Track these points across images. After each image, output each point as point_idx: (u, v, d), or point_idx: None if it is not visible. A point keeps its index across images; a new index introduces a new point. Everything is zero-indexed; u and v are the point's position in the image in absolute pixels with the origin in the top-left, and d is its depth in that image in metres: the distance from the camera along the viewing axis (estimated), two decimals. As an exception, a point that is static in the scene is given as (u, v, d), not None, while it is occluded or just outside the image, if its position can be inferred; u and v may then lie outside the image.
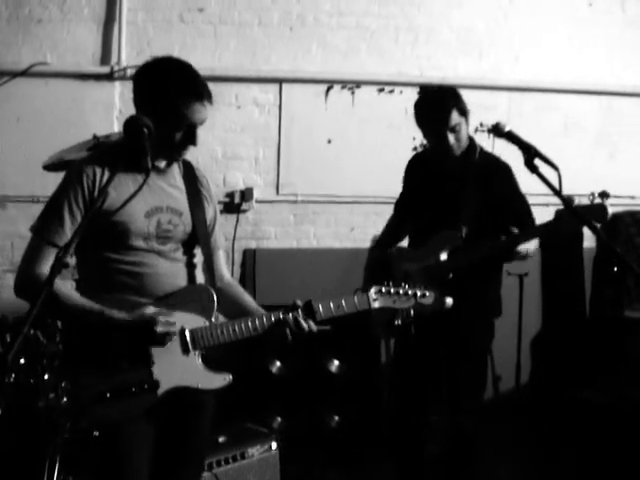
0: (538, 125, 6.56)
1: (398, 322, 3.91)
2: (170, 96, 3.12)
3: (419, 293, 3.46)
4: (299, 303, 3.31)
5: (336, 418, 5.88)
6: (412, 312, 3.71)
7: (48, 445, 4.35)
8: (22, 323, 2.46)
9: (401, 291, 3.45)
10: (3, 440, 4.49)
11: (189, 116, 3.15)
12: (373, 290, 3.43)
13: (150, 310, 3.16)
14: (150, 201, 3.23)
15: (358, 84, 6.66)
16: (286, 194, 6.67)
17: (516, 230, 4.28)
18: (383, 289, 3.43)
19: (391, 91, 6.69)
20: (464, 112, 4.40)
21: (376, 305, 3.42)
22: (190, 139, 3.21)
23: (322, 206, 6.72)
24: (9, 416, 4.46)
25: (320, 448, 5.70)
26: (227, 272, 3.61)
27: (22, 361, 4.43)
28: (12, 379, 4.39)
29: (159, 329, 3.12)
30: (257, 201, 6.60)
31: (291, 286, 6.20)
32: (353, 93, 6.66)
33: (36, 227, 3.24)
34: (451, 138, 4.36)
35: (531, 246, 4.37)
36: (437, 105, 4.42)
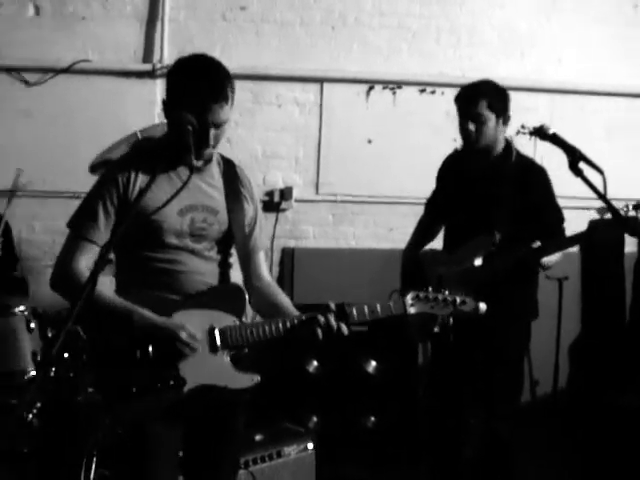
0: (579, 128, 6.49)
1: (437, 329, 3.87)
2: (189, 96, 3.10)
3: (458, 300, 3.39)
4: (332, 306, 3.28)
5: (372, 419, 5.86)
6: (451, 319, 3.66)
7: (86, 439, 4.38)
8: (65, 318, 2.48)
9: (440, 297, 3.37)
10: (42, 433, 4.52)
11: (204, 117, 3.11)
12: (410, 295, 3.36)
13: (179, 318, 3.17)
14: (185, 199, 3.22)
15: (399, 84, 6.65)
16: (325, 194, 6.67)
17: (539, 242, 4.27)
18: (421, 294, 3.36)
19: (432, 92, 6.67)
20: (497, 109, 4.39)
21: (412, 311, 3.36)
22: (203, 140, 3.15)
23: (361, 206, 6.70)
24: (49, 410, 4.50)
25: (355, 448, 5.69)
26: (266, 272, 3.57)
27: (66, 356, 4.47)
28: (53, 373, 4.43)
29: (183, 339, 3.13)
30: (296, 200, 6.60)
31: (329, 286, 6.19)
32: (394, 93, 6.65)
33: (72, 223, 3.30)
34: (471, 126, 4.37)
35: (553, 258, 4.35)
36: (467, 92, 4.45)
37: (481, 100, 4.35)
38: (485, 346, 4.44)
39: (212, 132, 3.14)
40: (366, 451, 5.68)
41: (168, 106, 3.21)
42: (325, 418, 5.78)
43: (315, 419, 5.77)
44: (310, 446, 4.84)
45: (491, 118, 4.36)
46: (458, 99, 4.50)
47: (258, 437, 4.77)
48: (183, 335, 3.12)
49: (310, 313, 3.26)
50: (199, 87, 3.08)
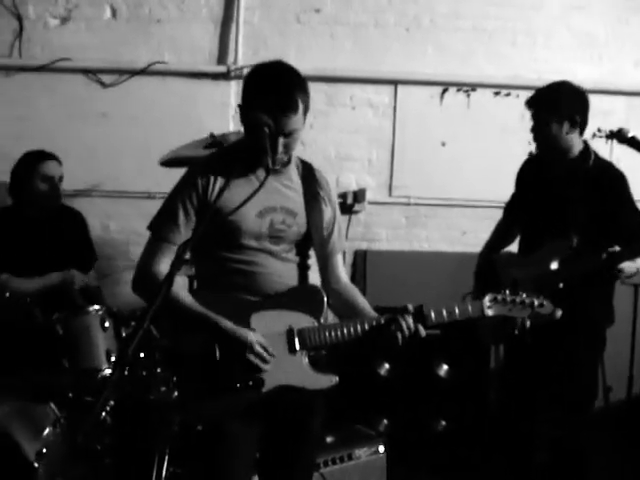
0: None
1: (516, 332, 3.82)
2: (259, 105, 3.12)
3: (536, 302, 3.36)
4: (410, 308, 3.27)
5: (443, 422, 5.83)
6: (528, 322, 3.62)
7: (158, 438, 4.41)
8: (141, 318, 2.49)
9: (517, 300, 3.35)
10: (115, 431, 4.55)
11: (270, 125, 3.11)
12: (487, 298, 3.35)
13: (257, 319, 3.19)
14: (263, 201, 3.23)
15: (474, 87, 6.59)
16: (398, 196, 6.63)
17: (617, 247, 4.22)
18: (498, 297, 3.35)
19: (507, 94, 6.60)
20: (572, 112, 4.34)
21: (490, 313, 3.34)
22: (271, 148, 3.16)
23: (434, 209, 6.66)
24: (122, 408, 4.54)
25: (426, 452, 5.65)
26: (344, 274, 3.58)
27: (142, 355, 4.50)
28: (127, 372, 4.46)
29: (252, 358, 3.14)
30: (369, 202, 6.57)
31: (401, 288, 6.16)
32: (469, 96, 6.60)
33: (153, 225, 3.34)
34: (544, 130, 4.33)
35: (634, 265, 4.29)
36: (544, 94, 4.40)
37: (558, 104, 4.31)
38: (559, 350, 4.39)
39: (281, 140, 3.15)
40: (437, 455, 5.65)
41: (244, 109, 3.22)
42: (395, 421, 5.76)
43: (385, 422, 5.76)
44: (381, 449, 4.83)
45: (566, 121, 4.32)
46: (535, 103, 4.45)
47: (329, 439, 4.76)
48: (256, 348, 3.14)
49: (388, 315, 3.25)
50: (268, 98, 3.10)
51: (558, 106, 4.35)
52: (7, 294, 4.87)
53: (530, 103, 4.47)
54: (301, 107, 3.16)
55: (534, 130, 4.47)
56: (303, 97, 3.17)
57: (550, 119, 4.35)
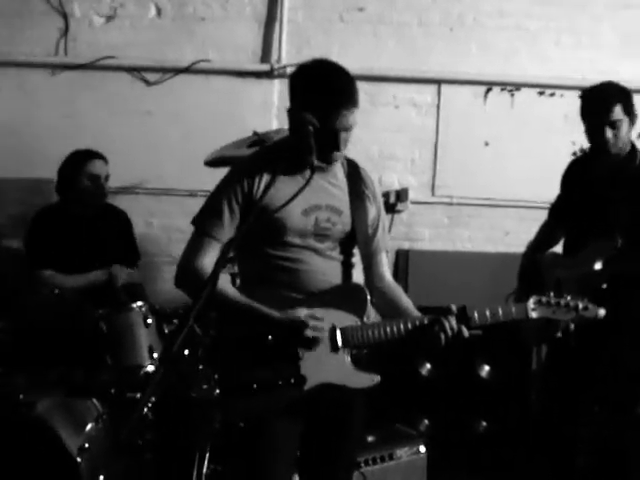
0: None
1: (559, 334, 3.80)
2: (318, 102, 3.14)
3: (581, 305, 3.33)
4: (453, 308, 3.26)
5: (483, 423, 5.81)
6: (572, 325, 3.60)
7: (199, 435, 4.43)
8: (186, 315, 2.50)
9: (562, 302, 3.33)
10: (156, 428, 4.58)
11: (334, 122, 3.15)
12: (532, 300, 3.33)
13: (302, 312, 3.17)
14: (309, 199, 3.24)
15: (518, 86, 6.55)
16: (441, 196, 6.61)
17: None
18: (543, 299, 3.33)
19: (551, 94, 6.55)
20: (629, 112, 4.31)
21: (534, 315, 3.32)
22: (334, 144, 3.21)
23: (476, 209, 6.62)
24: (164, 404, 4.56)
25: (466, 453, 5.64)
26: (389, 273, 3.57)
27: (186, 352, 4.52)
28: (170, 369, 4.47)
29: (308, 333, 3.14)
30: (412, 202, 6.54)
31: (442, 288, 6.13)
32: (512, 95, 6.56)
33: (197, 220, 3.35)
34: (609, 133, 4.26)
35: None
36: (602, 95, 4.35)
37: (617, 105, 4.26)
38: (602, 352, 4.36)
39: (342, 136, 3.19)
40: (477, 456, 5.63)
41: (293, 109, 3.23)
42: (436, 421, 5.75)
43: (426, 422, 5.75)
44: (422, 449, 4.82)
45: (625, 121, 4.28)
46: (591, 105, 4.40)
47: (370, 438, 4.76)
48: (307, 330, 3.14)
49: (432, 315, 3.24)
50: (332, 94, 3.14)
51: (628, 106, 4.31)
52: (57, 291, 4.92)
53: (603, 106, 4.35)
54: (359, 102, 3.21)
55: (604, 134, 4.36)
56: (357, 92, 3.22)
57: (624, 120, 4.30)
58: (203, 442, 4.39)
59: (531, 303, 3.33)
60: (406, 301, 3.46)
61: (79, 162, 5.21)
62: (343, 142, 3.21)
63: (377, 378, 3.24)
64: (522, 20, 6.54)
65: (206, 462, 4.36)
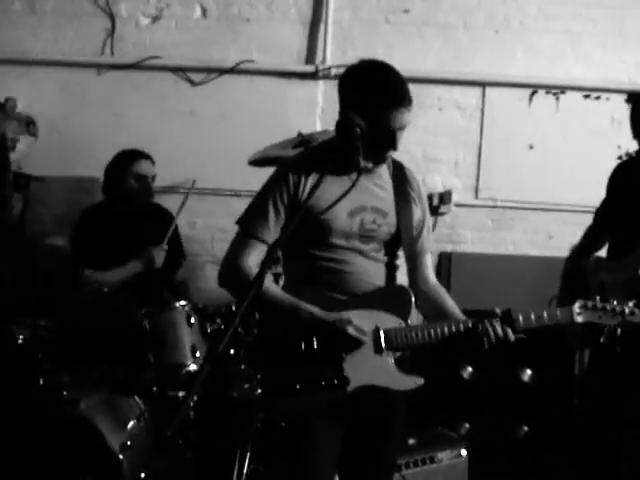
0: None
1: (603, 339, 3.77)
2: (372, 102, 3.14)
3: (627, 310, 3.32)
4: (498, 311, 3.25)
5: (525, 428, 5.78)
6: (619, 330, 3.57)
7: (240, 434, 4.44)
8: (231, 315, 2.52)
9: (608, 307, 3.31)
10: (198, 427, 4.60)
11: (390, 122, 3.15)
12: (578, 304, 3.31)
13: (346, 314, 3.17)
14: (354, 200, 3.24)
15: (563, 90, 6.52)
16: (485, 198, 6.58)
17: None
18: (589, 304, 3.31)
19: (597, 98, 6.51)
20: None
21: (579, 320, 3.30)
22: (390, 144, 3.22)
23: (520, 212, 6.59)
24: (205, 404, 4.58)
25: (508, 457, 5.61)
26: (433, 275, 3.58)
27: (232, 352, 4.54)
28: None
29: (352, 333, 3.14)
30: (455, 204, 6.54)
31: (485, 291, 6.12)
32: (557, 99, 6.52)
33: (242, 221, 3.35)
34: None
35: None
36: None
37: None
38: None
39: (398, 135, 3.20)
40: (519, 460, 5.60)
41: (343, 111, 3.24)
42: (478, 425, 5.73)
43: (467, 425, 5.73)
44: (464, 453, 4.81)
45: None
46: None
47: (411, 441, 4.75)
48: (350, 329, 3.13)
49: (476, 318, 3.23)
50: (388, 92, 3.15)
51: None
52: (105, 289, 4.96)
53: None
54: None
55: None
56: None
57: None
58: (244, 442, 4.41)
59: (577, 307, 3.31)
60: (451, 304, 3.45)
61: (126, 162, 5.24)
62: (398, 141, 3.22)
63: (420, 381, 3.23)
64: (568, 22, 6.51)
65: (247, 462, 4.38)
